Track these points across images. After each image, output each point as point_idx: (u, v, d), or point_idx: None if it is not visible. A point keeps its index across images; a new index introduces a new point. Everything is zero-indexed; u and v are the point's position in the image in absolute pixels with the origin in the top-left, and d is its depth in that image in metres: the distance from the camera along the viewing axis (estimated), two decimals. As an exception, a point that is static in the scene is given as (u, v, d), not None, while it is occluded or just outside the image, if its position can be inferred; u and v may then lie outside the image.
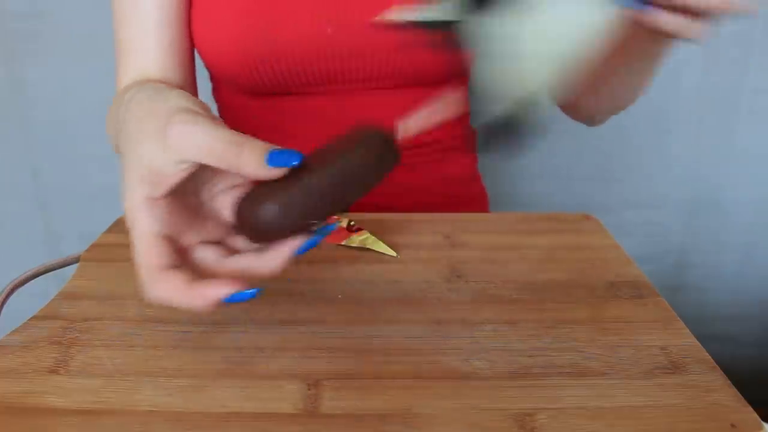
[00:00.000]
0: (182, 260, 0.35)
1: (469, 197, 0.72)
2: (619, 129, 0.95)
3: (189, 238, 0.36)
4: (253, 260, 0.36)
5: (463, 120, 0.70)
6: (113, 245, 0.51)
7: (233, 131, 0.33)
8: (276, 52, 0.57)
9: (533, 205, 1.00)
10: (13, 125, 0.93)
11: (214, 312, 0.42)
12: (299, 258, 0.49)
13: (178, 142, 0.33)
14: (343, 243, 0.51)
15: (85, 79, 0.90)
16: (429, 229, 0.54)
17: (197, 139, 0.32)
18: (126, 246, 0.51)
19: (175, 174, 0.33)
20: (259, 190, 0.33)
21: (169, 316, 0.42)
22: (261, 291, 0.34)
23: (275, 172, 0.32)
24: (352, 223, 0.53)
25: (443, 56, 0.61)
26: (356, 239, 0.51)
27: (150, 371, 0.36)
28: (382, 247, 0.50)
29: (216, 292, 0.33)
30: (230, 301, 0.33)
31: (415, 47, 0.58)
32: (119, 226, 0.55)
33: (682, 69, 0.91)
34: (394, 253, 0.50)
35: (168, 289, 0.33)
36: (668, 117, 0.94)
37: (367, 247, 0.50)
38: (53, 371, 0.36)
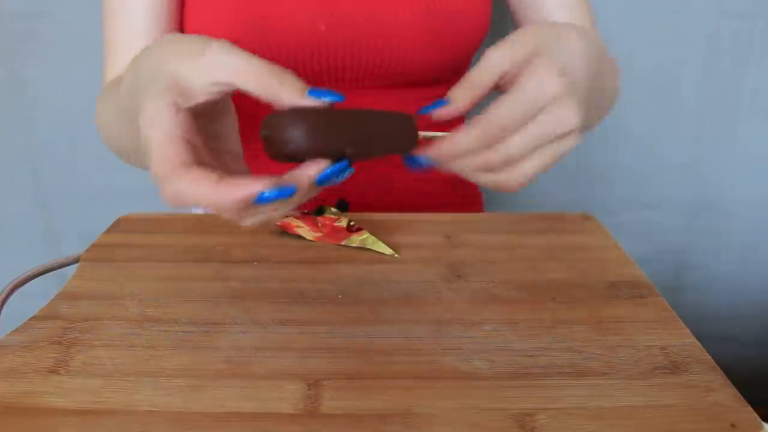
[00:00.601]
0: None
1: (464, 198, 0.72)
2: (619, 129, 0.95)
3: (206, 159, 0.34)
4: (276, 178, 0.34)
5: (457, 122, 0.69)
6: (113, 245, 0.51)
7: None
8: (267, 47, 0.57)
9: (533, 205, 1.00)
10: (13, 125, 0.93)
11: (214, 312, 0.42)
12: (300, 258, 0.49)
13: (217, 61, 0.32)
14: (343, 243, 0.51)
15: (85, 79, 0.89)
16: (429, 229, 0.54)
17: (237, 62, 0.32)
18: (126, 246, 0.51)
19: (204, 93, 0.32)
20: (290, 110, 0.33)
21: (169, 316, 0.42)
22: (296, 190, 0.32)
23: (314, 102, 0.33)
24: (352, 223, 0.53)
25: (439, 57, 0.61)
26: (356, 239, 0.51)
27: (150, 371, 0.36)
28: (382, 247, 0.50)
29: (249, 188, 0.31)
30: (263, 200, 0.31)
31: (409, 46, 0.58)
32: (119, 226, 0.55)
33: (682, 69, 0.91)
34: (394, 253, 0.50)
35: (194, 182, 0.30)
36: (668, 117, 0.94)
37: (367, 247, 0.50)
38: (53, 371, 0.36)
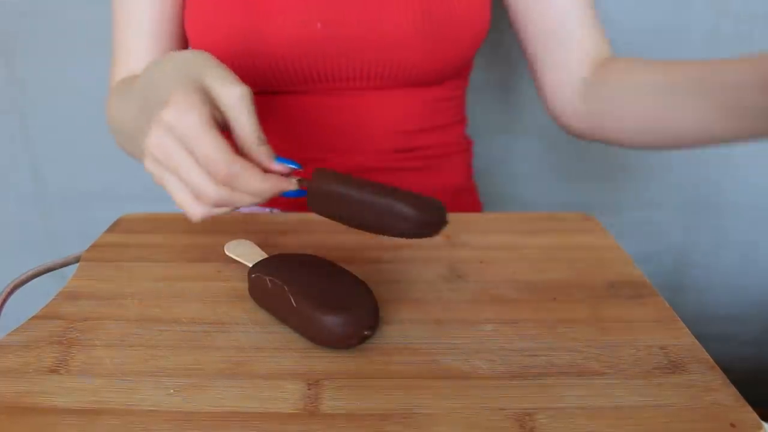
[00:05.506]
0: None
1: (462, 209, 0.71)
2: (619, 129, 0.95)
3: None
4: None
5: (457, 128, 0.69)
6: (113, 245, 0.51)
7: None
8: (264, 47, 0.57)
9: (533, 205, 1.00)
10: (13, 125, 0.93)
11: (214, 312, 0.42)
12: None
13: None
14: None
15: (85, 79, 0.90)
16: (429, 229, 0.54)
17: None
18: (126, 246, 0.51)
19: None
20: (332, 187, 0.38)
21: (169, 316, 0.42)
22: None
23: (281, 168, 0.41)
24: None
25: (435, 57, 0.60)
26: None
27: (150, 371, 0.37)
28: None
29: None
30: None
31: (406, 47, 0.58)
32: (119, 226, 0.55)
33: (682, 69, 0.91)
34: None
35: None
36: (668, 117, 0.94)
37: None
38: (53, 371, 0.36)
